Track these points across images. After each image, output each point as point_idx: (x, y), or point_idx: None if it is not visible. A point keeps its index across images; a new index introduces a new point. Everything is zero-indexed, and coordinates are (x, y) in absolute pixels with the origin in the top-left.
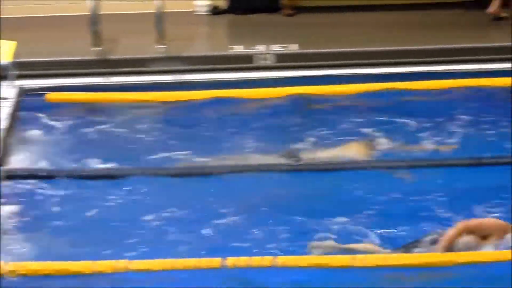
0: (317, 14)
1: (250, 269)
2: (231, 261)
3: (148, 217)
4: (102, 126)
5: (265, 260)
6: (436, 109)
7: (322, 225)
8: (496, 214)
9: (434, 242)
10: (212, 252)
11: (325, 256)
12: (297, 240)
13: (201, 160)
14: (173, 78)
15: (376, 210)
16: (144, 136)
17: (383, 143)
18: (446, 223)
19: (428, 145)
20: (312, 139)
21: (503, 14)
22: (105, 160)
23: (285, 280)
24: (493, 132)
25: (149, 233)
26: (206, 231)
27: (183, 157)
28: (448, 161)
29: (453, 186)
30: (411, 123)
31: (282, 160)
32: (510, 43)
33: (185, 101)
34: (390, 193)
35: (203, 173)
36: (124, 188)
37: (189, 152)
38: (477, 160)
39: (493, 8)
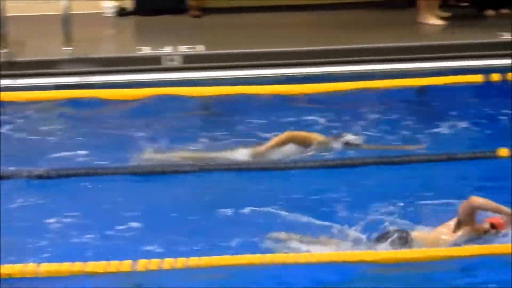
0: (224, 15)
1: (162, 272)
2: (142, 263)
3: (51, 220)
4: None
5: (178, 262)
6: (345, 108)
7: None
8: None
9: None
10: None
11: (238, 256)
12: (209, 242)
13: (104, 161)
14: (81, 80)
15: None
16: (45, 136)
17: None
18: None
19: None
20: (205, 140)
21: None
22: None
23: (200, 282)
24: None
25: (54, 236)
26: (112, 234)
27: (85, 158)
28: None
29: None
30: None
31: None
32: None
33: (92, 100)
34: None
35: (107, 174)
36: (28, 190)
37: (91, 152)
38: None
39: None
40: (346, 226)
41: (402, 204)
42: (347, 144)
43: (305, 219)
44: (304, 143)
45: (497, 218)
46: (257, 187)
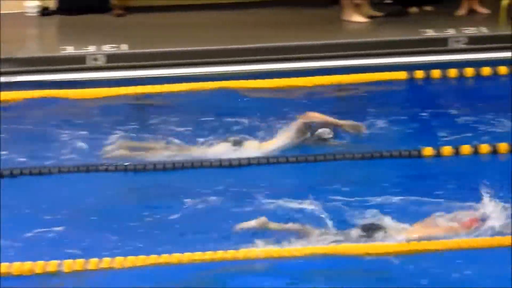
0: (147, 14)
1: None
2: (67, 264)
3: None
4: None
5: (104, 262)
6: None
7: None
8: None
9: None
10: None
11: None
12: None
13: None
14: (5, 80)
15: None
16: None
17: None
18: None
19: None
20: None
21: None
22: None
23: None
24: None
25: None
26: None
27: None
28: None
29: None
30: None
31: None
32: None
33: (14, 101)
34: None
35: (31, 174)
36: None
37: (11, 152)
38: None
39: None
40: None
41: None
42: (319, 139)
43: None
44: None
45: None
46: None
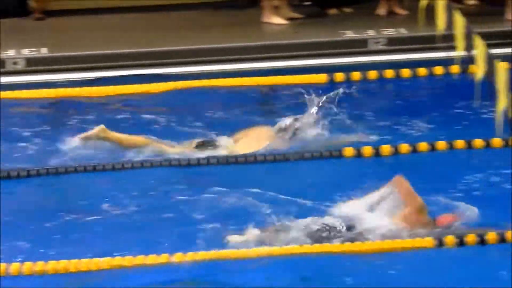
0: (67, 18)
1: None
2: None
3: None
4: None
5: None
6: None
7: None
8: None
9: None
10: None
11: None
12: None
13: None
14: None
15: None
16: None
17: None
18: None
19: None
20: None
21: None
22: None
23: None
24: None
25: None
26: None
27: None
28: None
29: None
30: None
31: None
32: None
33: None
34: None
35: None
36: None
37: None
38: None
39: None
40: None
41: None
42: (296, 131)
43: None
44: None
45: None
46: None
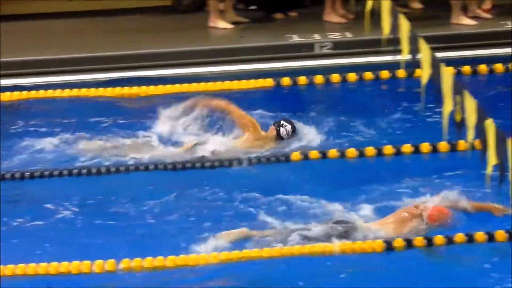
0: (19, 22)
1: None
2: None
3: None
4: None
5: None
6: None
7: None
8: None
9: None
10: None
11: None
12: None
13: None
14: None
15: None
16: None
17: None
18: None
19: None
20: None
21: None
22: None
23: None
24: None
25: None
26: None
27: None
28: None
29: None
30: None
31: None
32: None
33: None
34: None
35: None
36: None
37: None
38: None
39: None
40: None
41: None
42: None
43: None
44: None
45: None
46: None
